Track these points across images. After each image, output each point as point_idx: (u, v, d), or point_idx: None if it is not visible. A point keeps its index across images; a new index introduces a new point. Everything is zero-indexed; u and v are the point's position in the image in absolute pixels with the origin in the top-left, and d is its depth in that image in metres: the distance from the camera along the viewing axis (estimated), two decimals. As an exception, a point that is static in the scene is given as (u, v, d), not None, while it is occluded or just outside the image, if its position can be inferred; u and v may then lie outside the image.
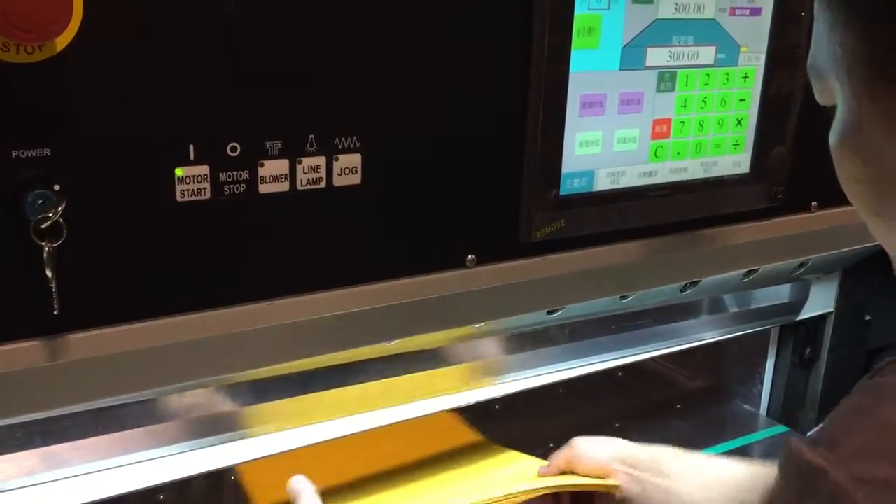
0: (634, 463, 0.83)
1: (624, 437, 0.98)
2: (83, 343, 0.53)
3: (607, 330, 1.08)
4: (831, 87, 0.48)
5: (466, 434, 1.10)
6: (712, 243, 0.79)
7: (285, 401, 0.86)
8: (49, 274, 0.49)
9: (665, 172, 0.73)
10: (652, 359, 1.23)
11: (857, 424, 0.36)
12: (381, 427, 0.94)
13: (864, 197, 0.49)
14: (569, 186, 0.69)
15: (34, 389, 0.54)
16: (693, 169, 0.74)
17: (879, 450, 0.35)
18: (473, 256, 0.67)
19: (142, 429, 0.82)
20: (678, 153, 0.73)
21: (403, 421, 0.95)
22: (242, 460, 0.86)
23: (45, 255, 0.49)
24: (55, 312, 0.50)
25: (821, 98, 0.50)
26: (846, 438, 0.36)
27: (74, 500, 0.81)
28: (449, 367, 1.00)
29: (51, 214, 0.48)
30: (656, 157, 0.72)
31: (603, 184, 0.70)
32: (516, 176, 0.67)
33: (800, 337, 1.16)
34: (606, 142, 0.70)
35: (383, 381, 0.94)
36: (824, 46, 0.47)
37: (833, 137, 0.48)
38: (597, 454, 0.85)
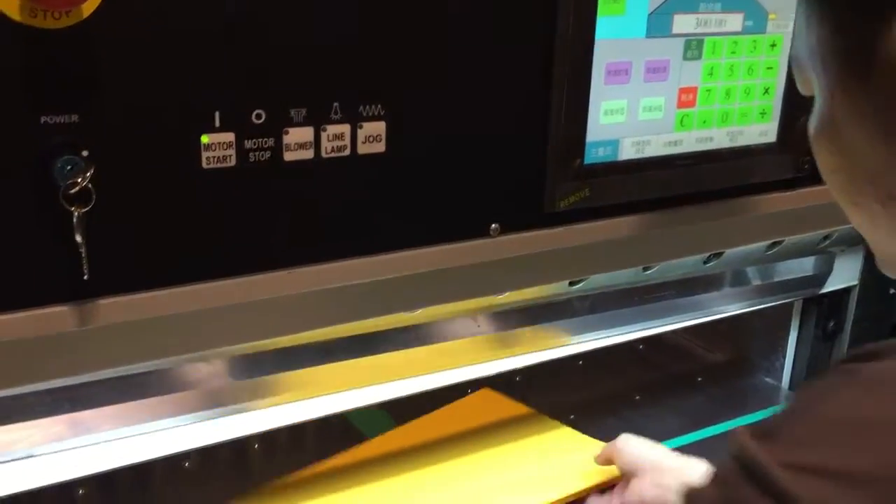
0: (661, 469, 0.83)
1: (644, 409, 0.98)
2: (112, 308, 0.53)
3: (629, 302, 1.08)
4: (810, 78, 0.48)
5: (512, 407, 1.10)
6: (737, 214, 0.79)
7: (308, 370, 0.87)
8: (79, 239, 0.49)
9: (690, 142, 0.72)
10: (673, 332, 1.23)
11: (795, 417, 0.38)
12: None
13: (840, 187, 0.49)
14: (593, 156, 0.68)
15: (65, 354, 0.55)
16: (719, 138, 0.74)
17: (812, 440, 0.36)
18: (497, 226, 0.67)
19: (167, 396, 0.83)
20: (704, 122, 0.72)
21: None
22: (267, 428, 0.87)
23: (74, 221, 0.49)
24: (85, 277, 0.50)
25: (801, 88, 0.50)
26: (783, 429, 0.38)
27: (101, 465, 0.83)
28: (471, 338, 1.00)
29: (79, 180, 0.48)
30: (682, 126, 0.72)
31: (628, 153, 0.70)
32: (541, 145, 0.67)
33: (823, 310, 1.15)
34: (631, 110, 0.69)
35: (405, 350, 0.94)
36: (803, 38, 0.48)
37: (810, 128, 0.49)
38: (633, 452, 0.86)
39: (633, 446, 0.87)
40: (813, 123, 0.49)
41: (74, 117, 0.50)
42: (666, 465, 0.83)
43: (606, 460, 0.90)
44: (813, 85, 0.48)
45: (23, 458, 0.76)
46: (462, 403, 1.04)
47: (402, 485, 0.93)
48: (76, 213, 0.49)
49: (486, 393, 1.11)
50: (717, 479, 0.39)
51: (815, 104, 0.49)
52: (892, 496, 0.34)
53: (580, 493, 0.91)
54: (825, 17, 0.46)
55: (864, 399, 0.37)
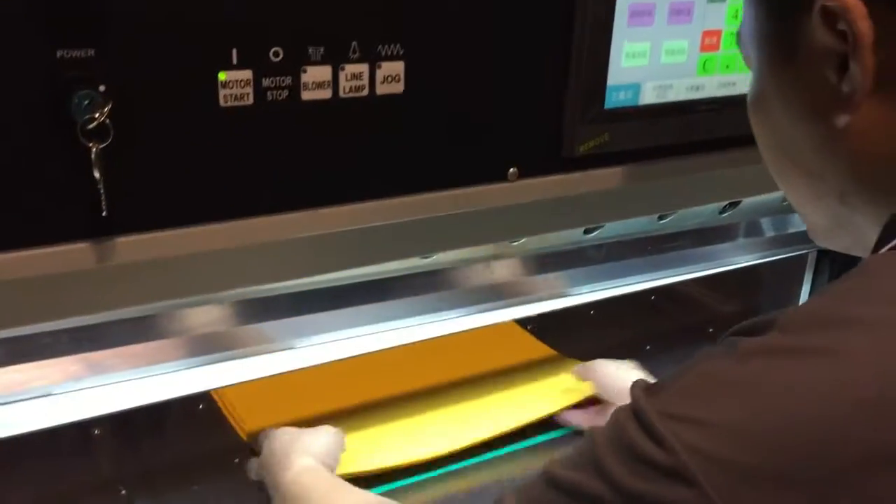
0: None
1: (654, 359, 0.98)
2: (131, 246, 0.53)
3: (643, 251, 1.08)
4: (749, 56, 0.52)
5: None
6: (757, 162, 0.78)
7: (319, 314, 0.87)
8: (97, 175, 0.49)
9: (713, 87, 0.71)
10: (685, 283, 1.23)
11: (678, 375, 0.44)
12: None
13: (770, 160, 0.54)
14: (614, 100, 0.67)
15: (83, 292, 0.55)
16: (742, 84, 0.72)
17: (692, 393, 0.42)
18: (515, 170, 0.66)
19: (181, 338, 0.84)
20: (727, 66, 0.71)
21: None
22: (281, 371, 0.88)
23: (92, 157, 0.49)
24: (104, 214, 0.50)
25: (746, 65, 0.54)
26: (667, 385, 0.43)
27: (116, 406, 0.84)
28: (484, 286, 1.00)
29: (97, 115, 0.48)
30: (705, 70, 0.70)
31: (649, 97, 0.69)
32: (561, 88, 0.66)
33: (836, 262, 1.15)
34: (654, 54, 0.68)
35: (416, 297, 0.94)
36: (745, 19, 0.52)
37: (748, 102, 0.54)
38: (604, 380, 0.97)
39: (606, 374, 0.96)
40: (749, 97, 0.53)
41: (91, 52, 0.49)
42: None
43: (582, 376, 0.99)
44: (751, 62, 0.52)
45: (40, 397, 0.77)
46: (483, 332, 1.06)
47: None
48: (94, 149, 0.48)
49: (510, 326, 1.12)
50: (613, 421, 0.44)
51: (751, 79, 0.53)
52: (738, 443, 0.39)
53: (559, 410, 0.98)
54: (759, 4, 0.50)
55: (732, 365, 0.42)
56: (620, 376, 0.95)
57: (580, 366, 1.02)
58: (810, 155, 0.49)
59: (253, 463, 0.84)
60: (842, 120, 0.46)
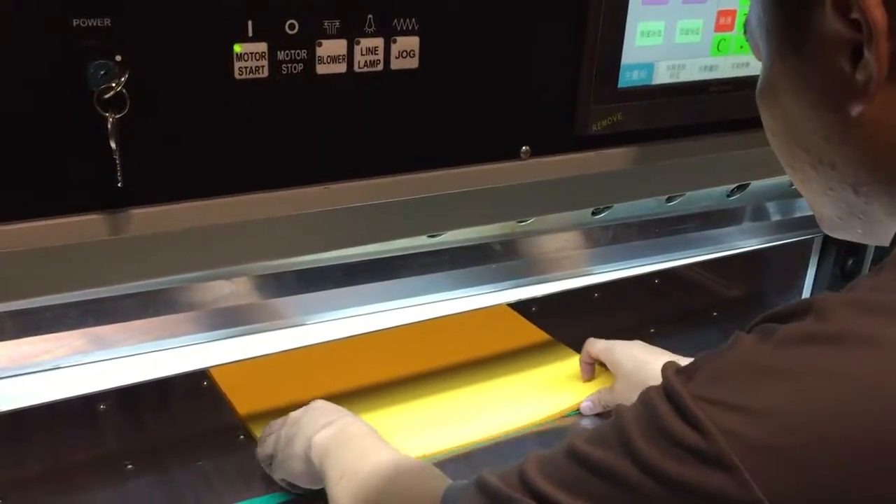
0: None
1: (658, 343, 0.99)
2: (145, 218, 0.53)
3: (648, 234, 1.08)
4: (758, 44, 0.52)
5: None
6: (769, 144, 0.78)
7: (331, 291, 0.87)
8: (113, 146, 0.49)
9: (727, 67, 0.71)
10: (690, 267, 1.23)
11: (714, 358, 0.44)
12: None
13: (779, 149, 0.53)
14: (627, 79, 0.67)
15: (97, 263, 0.54)
16: (756, 65, 0.70)
17: (728, 378, 0.42)
18: (528, 148, 0.66)
19: (189, 313, 0.84)
20: (741, 47, 0.71)
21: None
22: (288, 348, 0.88)
23: (109, 127, 0.48)
24: (119, 185, 0.50)
25: (754, 53, 0.54)
26: (702, 367, 0.43)
27: (122, 380, 0.84)
28: (488, 266, 1.00)
29: (114, 84, 0.48)
30: (719, 50, 0.70)
31: (663, 77, 0.68)
32: (575, 66, 0.65)
33: (842, 248, 1.15)
34: (668, 33, 0.67)
35: (424, 276, 0.94)
36: (755, 7, 0.52)
37: (756, 91, 0.53)
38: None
39: (617, 351, 0.96)
40: (758, 86, 0.53)
41: (107, 21, 0.48)
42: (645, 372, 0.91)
43: (592, 357, 1.00)
44: (760, 51, 0.52)
45: (48, 370, 0.77)
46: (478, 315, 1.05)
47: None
48: (110, 119, 0.48)
49: (503, 310, 1.12)
50: (642, 401, 0.45)
51: (761, 69, 0.52)
52: (780, 428, 0.40)
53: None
54: None
55: (771, 351, 0.42)
56: (635, 356, 0.95)
57: (593, 344, 1.01)
58: (822, 144, 0.49)
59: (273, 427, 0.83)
60: (856, 109, 0.45)
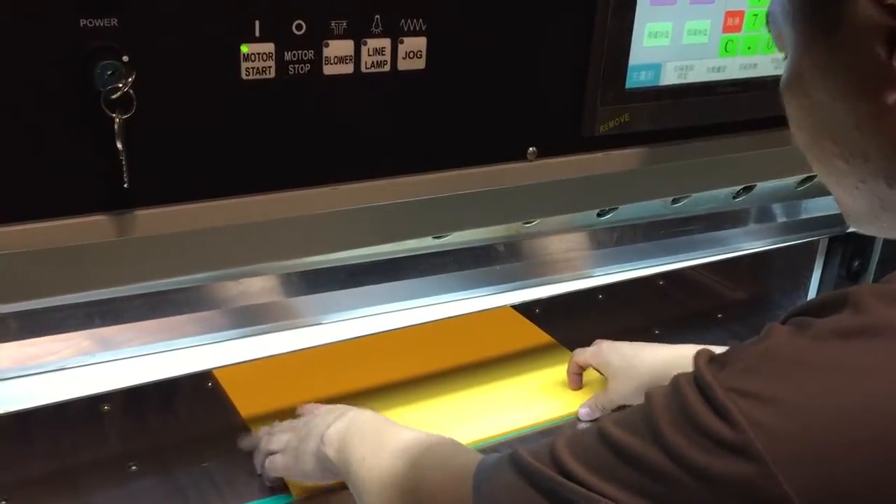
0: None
1: (663, 343, 0.98)
2: (152, 219, 0.53)
3: (654, 236, 1.07)
4: (782, 34, 0.50)
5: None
6: (776, 145, 0.77)
7: (336, 293, 0.86)
8: (120, 146, 0.48)
9: (734, 68, 0.71)
10: (695, 268, 1.23)
11: (745, 350, 0.44)
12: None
13: (807, 143, 0.51)
14: (635, 80, 0.67)
15: (103, 264, 0.54)
16: (763, 65, 0.72)
17: (760, 370, 0.42)
18: (535, 149, 0.66)
19: (193, 314, 0.84)
20: (749, 48, 0.71)
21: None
22: (292, 349, 0.88)
23: (115, 128, 0.48)
24: (125, 186, 0.50)
25: (776, 44, 0.52)
26: (734, 358, 0.43)
27: (127, 381, 0.84)
28: (492, 268, 1.00)
29: (121, 85, 0.48)
30: (726, 51, 0.70)
31: (670, 78, 0.68)
32: (582, 67, 0.65)
33: (848, 249, 1.15)
34: (676, 34, 0.67)
35: (427, 278, 0.94)
36: None
37: (781, 83, 0.52)
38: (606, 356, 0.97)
39: (605, 352, 0.96)
40: (783, 79, 0.51)
41: (114, 21, 0.48)
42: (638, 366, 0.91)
43: (580, 366, 1.00)
44: (785, 41, 0.50)
45: (53, 371, 0.77)
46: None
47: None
48: (117, 120, 0.48)
49: (507, 312, 1.12)
50: (672, 389, 0.44)
51: (786, 59, 0.51)
52: (810, 421, 0.40)
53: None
54: None
55: (806, 344, 0.42)
56: (623, 352, 0.95)
57: (581, 353, 1.00)
58: (854, 135, 0.47)
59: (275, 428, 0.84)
60: (891, 97, 0.44)
